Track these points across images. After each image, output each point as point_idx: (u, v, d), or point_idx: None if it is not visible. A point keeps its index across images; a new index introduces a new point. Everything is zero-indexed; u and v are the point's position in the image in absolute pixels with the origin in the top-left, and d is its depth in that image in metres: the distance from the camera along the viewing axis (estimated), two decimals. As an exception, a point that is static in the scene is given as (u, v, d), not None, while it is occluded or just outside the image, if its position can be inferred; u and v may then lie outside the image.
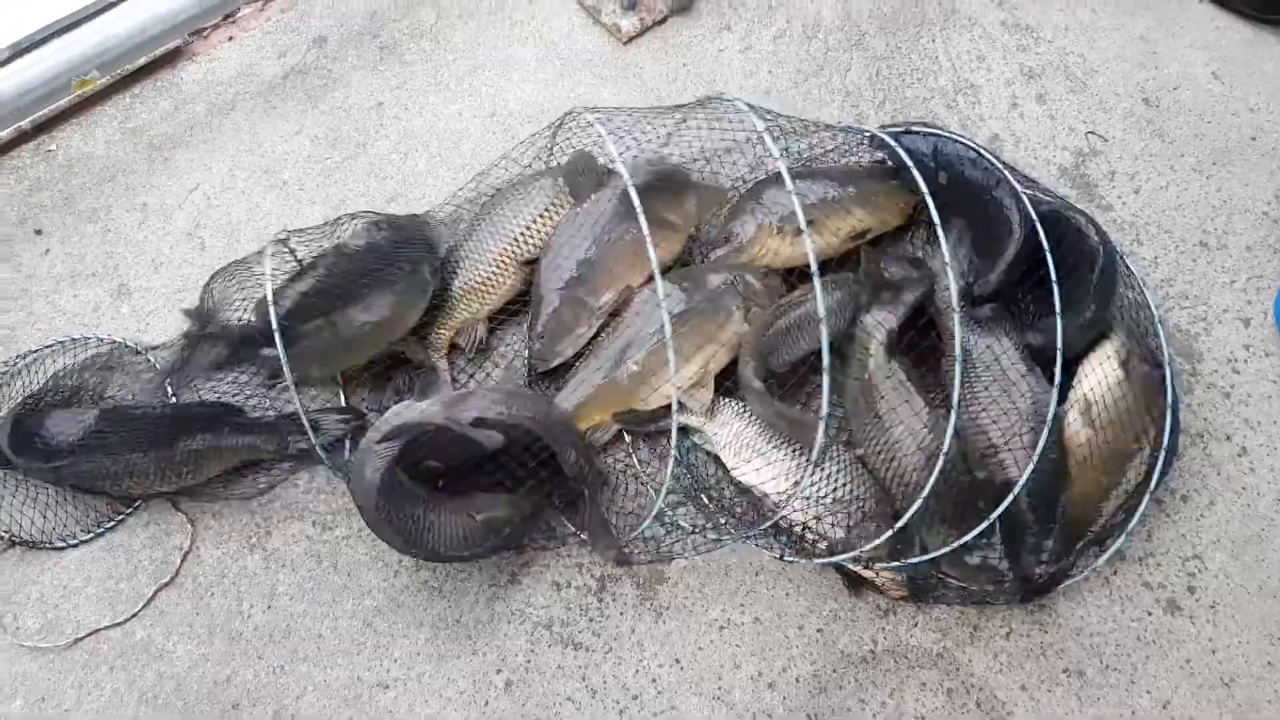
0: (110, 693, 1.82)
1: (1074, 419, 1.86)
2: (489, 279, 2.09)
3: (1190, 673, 1.79)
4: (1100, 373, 1.86)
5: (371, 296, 1.95)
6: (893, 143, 1.93)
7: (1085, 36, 2.63)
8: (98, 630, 1.87)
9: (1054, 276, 1.76)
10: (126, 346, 2.14)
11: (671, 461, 1.75)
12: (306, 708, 1.80)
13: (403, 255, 1.99)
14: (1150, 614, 1.85)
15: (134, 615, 1.88)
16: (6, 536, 1.95)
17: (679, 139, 2.16)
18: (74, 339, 2.15)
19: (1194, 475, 1.97)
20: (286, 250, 2.05)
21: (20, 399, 1.98)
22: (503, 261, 2.09)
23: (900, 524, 1.71)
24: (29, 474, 1.94)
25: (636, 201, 1.66)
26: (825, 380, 1.59)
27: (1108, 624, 1.84)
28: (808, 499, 1.81)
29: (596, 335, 2.03)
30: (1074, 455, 1.84)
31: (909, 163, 1.78)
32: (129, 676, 1.83)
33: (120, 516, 1.98)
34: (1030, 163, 2.39)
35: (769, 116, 1.90)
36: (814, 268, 1.62)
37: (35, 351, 2.12)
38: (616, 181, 2.05)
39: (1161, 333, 1.98)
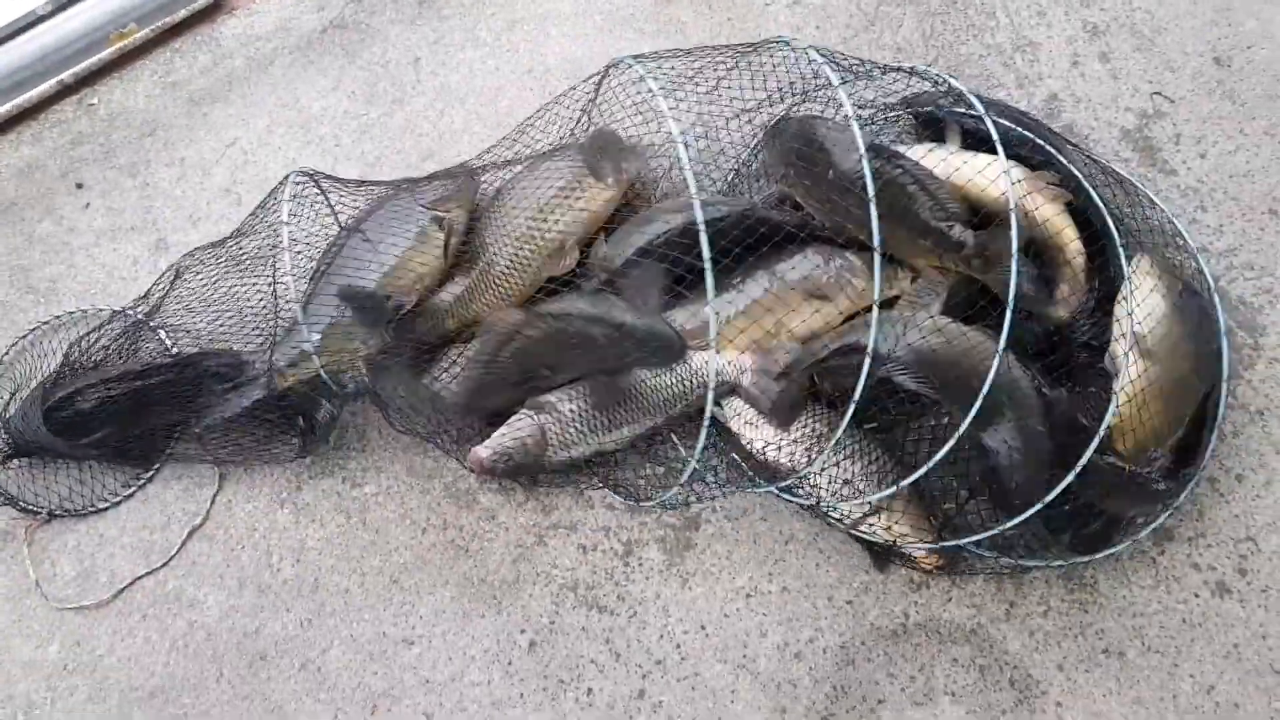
0: (143, 640, 1.87)
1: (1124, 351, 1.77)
2: (507, 270, 2.00)
3: (1237, 659, 1.73)
4: (1147, 305, 1.80)
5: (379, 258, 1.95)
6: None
7: (1154, -10, 2.50)
8: (135, 580, 1.92)
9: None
10: (139, 321, 2.12)
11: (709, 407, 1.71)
12: (332, 661, 1.83)
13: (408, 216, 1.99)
14: (1198, 596, 1.79)
15: (167, 563, 1.93)
16: (44, 512, 1.98)
17: (727, 87, 2.07)
18: (84, 310, 2.18)
19: (1251, 454, 1.88)
20: (315, 190, 2.02)
21: (38, 385, 1.99)
22: (520, 254, 1.99)
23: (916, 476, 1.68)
24: (71, 453, 1.96)
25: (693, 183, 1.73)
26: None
27: (1152, 605, 1.78)
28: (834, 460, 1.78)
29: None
30: (1132, 388, 1.75)
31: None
32: (161, 625, 1.88)
33: (154, 470, 2.02)
34: (1090, 125, 2.29)
35: (837, 61, 1.89)
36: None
37: (45, 323, 2.17)
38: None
39: (1200, 259, 1.99)
